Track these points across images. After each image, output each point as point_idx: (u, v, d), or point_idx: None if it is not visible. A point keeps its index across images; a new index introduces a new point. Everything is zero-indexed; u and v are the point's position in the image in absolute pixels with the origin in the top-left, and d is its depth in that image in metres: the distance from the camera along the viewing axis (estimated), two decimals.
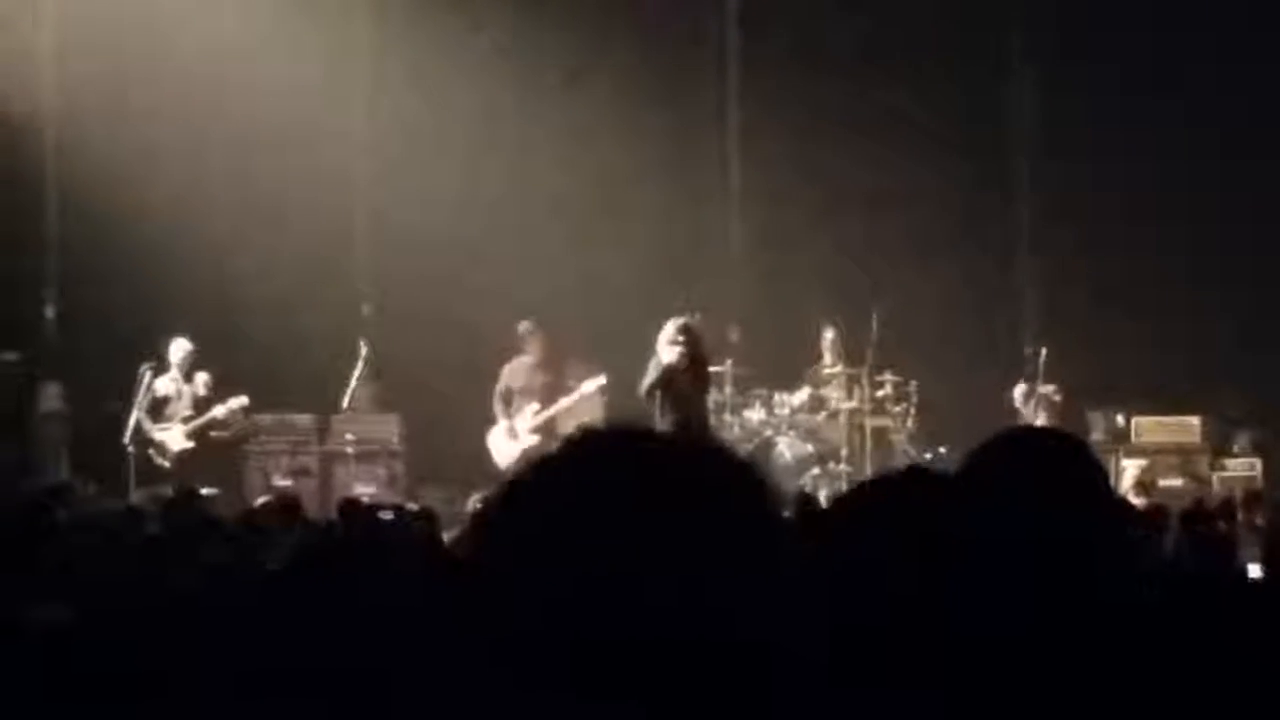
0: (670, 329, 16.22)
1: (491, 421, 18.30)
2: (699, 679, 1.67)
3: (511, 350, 18.40)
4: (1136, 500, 14.40)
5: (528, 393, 18.14)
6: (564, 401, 17.97)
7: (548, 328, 18.40)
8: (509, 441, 17.93)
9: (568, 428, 17.26)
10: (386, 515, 11.88)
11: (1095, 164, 20.44)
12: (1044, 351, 18.71)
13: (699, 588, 1.69)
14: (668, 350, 16.11)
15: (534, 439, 17.65)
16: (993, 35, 21.13)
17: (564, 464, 1.79)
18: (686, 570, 1.69)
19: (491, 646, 1.70)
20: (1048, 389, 18.54)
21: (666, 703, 1.67)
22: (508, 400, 18.18)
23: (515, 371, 18.28)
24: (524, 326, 18.27)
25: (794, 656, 1.73)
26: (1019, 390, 18.67)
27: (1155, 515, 10.18)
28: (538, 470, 1.79)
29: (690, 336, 16.23)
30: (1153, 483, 16.67)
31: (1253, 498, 14.15)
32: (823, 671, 1.89)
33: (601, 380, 17.90)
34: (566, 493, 1.75)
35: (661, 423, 15.88)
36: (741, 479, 1.78)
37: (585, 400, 17.97)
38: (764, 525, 1.76)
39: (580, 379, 18.25)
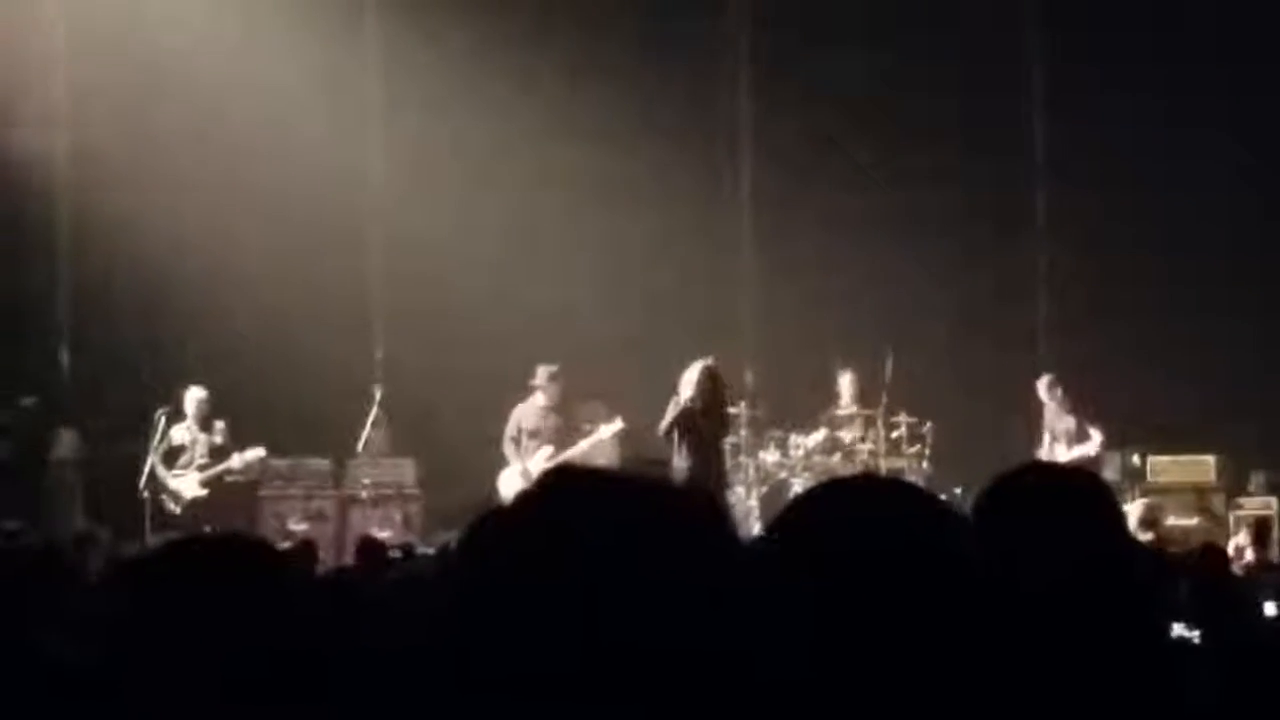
0: (693, 372, 16.32)
1: (503, 465, 18.24)
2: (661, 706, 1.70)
3: (523, 392, 18.33)
4: (1144, 536, 14.36)
5: (538, 435, 18.06)
6: (583, 444, 17.89)
7: (564, 371, 18.36)
8: (523, 485, 17.83)
9: None
10: (396, 555, 12.03)
11: (1111, 200, 20.45)
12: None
13: (662, 615, 1.71)
14: (686, 392, 16.23)
15: None
16: (1007, 69, 21.13)
17: (530, 504, 1.81)
18: (648, 599, 1.71)
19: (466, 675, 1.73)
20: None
21: None
22: (518, 442, 18.12)
23: (526, 414, 18.19)
24: (544, 371, 18.15)
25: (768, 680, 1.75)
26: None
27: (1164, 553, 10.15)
28: (505, 511, 1.83)
29: (711, 380, 16.34)
30: (1158, 520, 16.62)
31: (1263, 528, 14.09)
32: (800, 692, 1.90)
33: (619, 425, 17.87)
34: (530, 531, 1.78)
35: (678, 462, 15.94)
36: (702, 514, 1.81)
37: (601, 444, 17.91)
38: (723, 555, 1.78)
39: (593, 421, 18.20)
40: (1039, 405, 18.73)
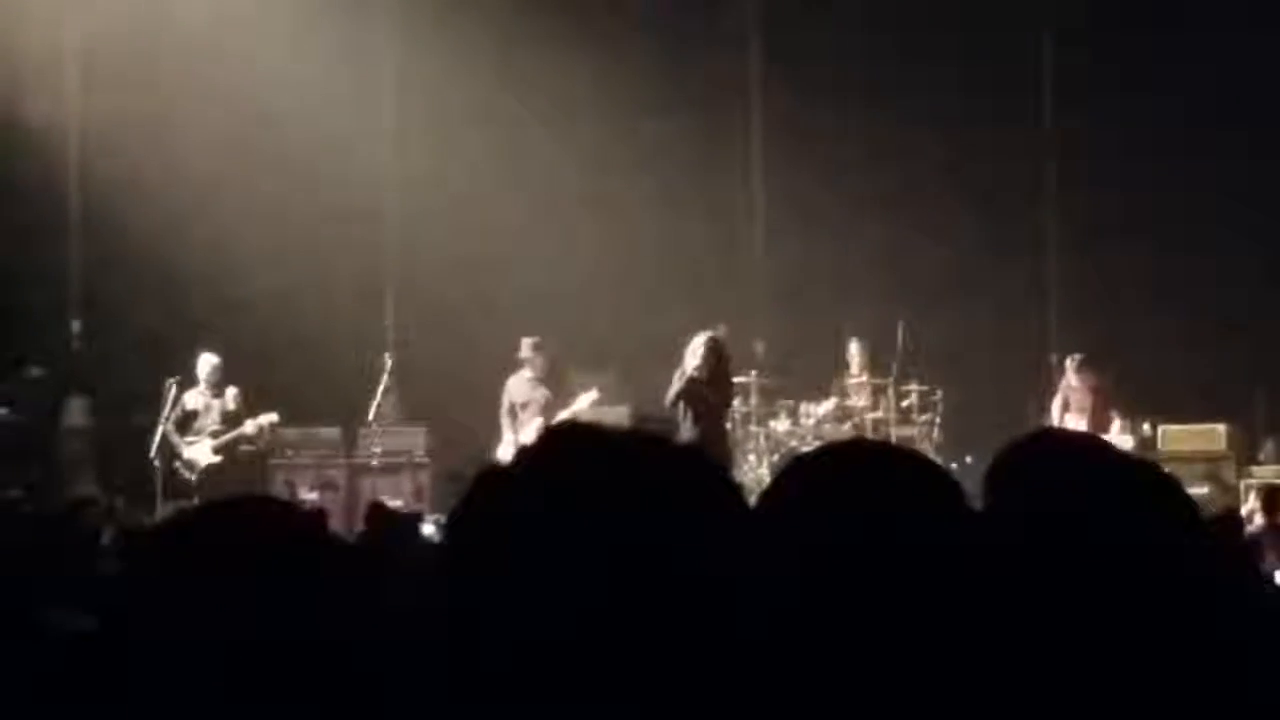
0: (697, 342, 16.35)
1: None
2: (657, 670, 1.70)
3: (514, 365, 18.29)
4: None
5: (528, 407, 18.02)
6: (562, 415, 17.78)
7: (557, 341, 18.33)
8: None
9: None
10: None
11: (1120, 171, 20.42)
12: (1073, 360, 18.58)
13: (667, 573, 1.71)
14: (690, 363, 16.26)
15: None
16: (1018, 46, 21.09)
17: (525, 466, 1.81)
18: (654, 557, 1.71)
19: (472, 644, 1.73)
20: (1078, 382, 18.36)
21: (645, 693, 1.69)
22: (513, 414, 18.09)
23: (515, 386, 18.16)
24: (528, 343, 18.12)
25: (756, 637, 1.75)
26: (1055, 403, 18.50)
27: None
28: (500, 473, 1.83)
29: (715, 350, 16.37)
30: None
31: (1273, 496, 14.10)
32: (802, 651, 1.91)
33: (595, 394, 17.82)
34: (530, 490, 1.78)
35: (684, 432, 15.96)
36: (699, 469, 1.81)
37: (580, 414, 17.75)
38: (724, 511, 1.78)
39: (588, 388, 18.15)
40: (1056, 377, 18.61)
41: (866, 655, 2.06)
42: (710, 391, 16.35)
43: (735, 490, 1.85)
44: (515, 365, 18.22)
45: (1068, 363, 18.47)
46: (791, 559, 2.08)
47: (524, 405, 18.04)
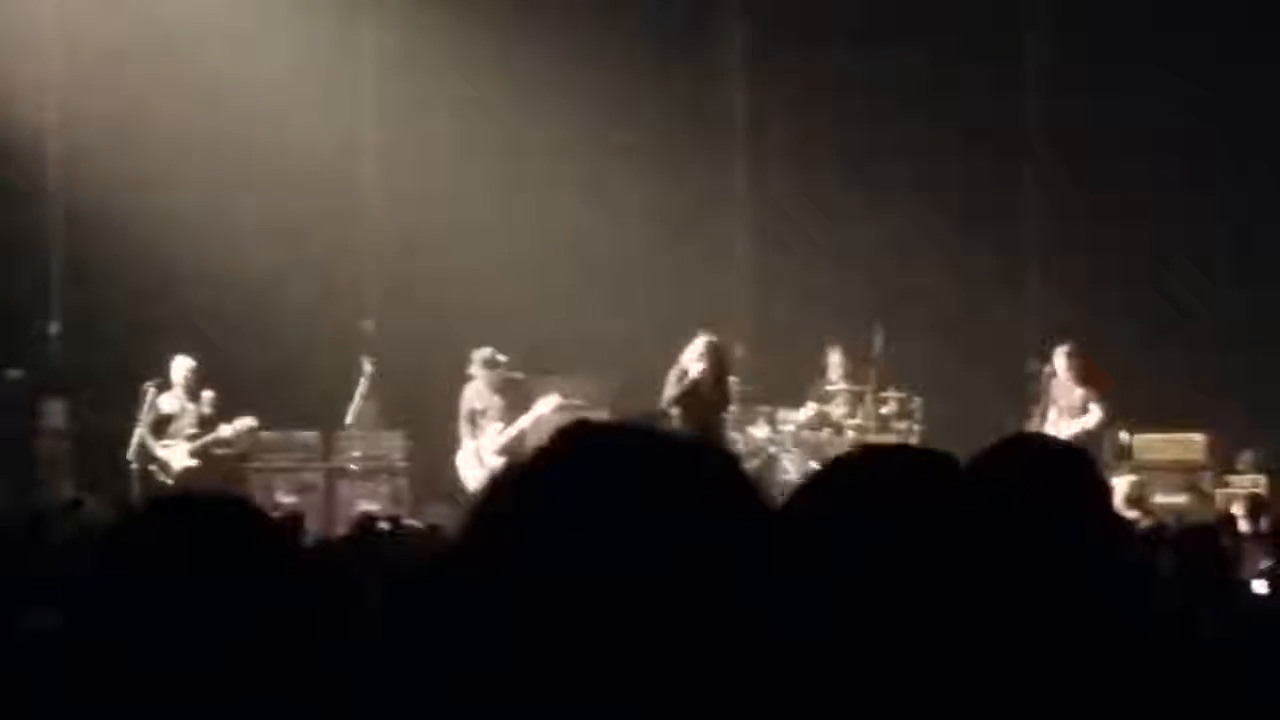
0: (697, 345, 16.40)
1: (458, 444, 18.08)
2: (693, 668, 1.69)
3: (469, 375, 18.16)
4: (1130, 514, 14.32)
5: (489, 413, 17.89)
6: (522, 421, 17.66)
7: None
8: (475, 465, 17.64)
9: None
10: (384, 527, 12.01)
11: (1102, 178, 20.45)
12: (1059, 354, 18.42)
13: (691, 575, 1.71)
14: (693, 365, 16.30)
15: (499, 460, 17.19)
16: (1006, 46, 21.10)
17: (548, 459, 1.80)
18: (678, 558, 1.71)
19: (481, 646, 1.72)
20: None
21: (665, 694, 1.68)
22: (472, 422, 17.96)
23: (474, 394, 18.03)
24: (477, 357, 17.92)
25: (792, 637, 1.75)
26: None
27: (1151, 532, 10.13)
28: (525, 466, 1.81)
29: (715, 353, 16.44)
30: (1144, 498, 16.56)
31: (1257, 505, 14.09)
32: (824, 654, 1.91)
33: (555, 399, 17.71)
34: (553, 486, 1.77)
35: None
36: (725, 469, 1.81)
37: (541, 419, 17.57)
38: (750, 513, 1.78)
39: (547, 396, 18.06)
40: (1041, 375, 18.46)
41: (904, 655, 2.07)
42: (709, 394, 16.41)
43: (757, 486, 1.85)
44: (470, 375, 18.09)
45: (1056, 353, 18.26)
46: (825, 558, 2.10)
47: (483, 412, 17.92)
